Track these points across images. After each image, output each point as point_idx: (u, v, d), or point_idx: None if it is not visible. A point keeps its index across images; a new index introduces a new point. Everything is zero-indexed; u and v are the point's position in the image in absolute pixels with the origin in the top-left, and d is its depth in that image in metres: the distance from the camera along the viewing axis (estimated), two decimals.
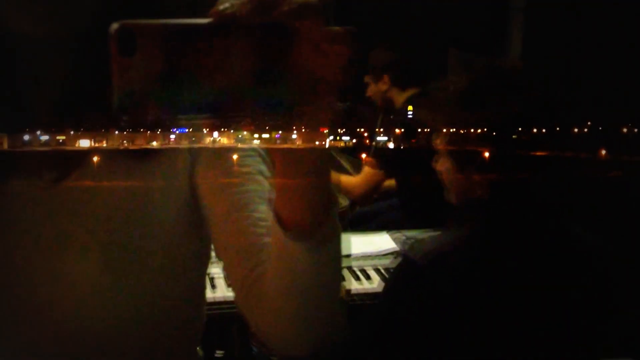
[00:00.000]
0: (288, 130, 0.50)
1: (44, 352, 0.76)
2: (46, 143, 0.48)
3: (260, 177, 0.75)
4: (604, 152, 1.49)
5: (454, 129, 1.09)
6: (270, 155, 0.66)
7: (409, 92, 2.77)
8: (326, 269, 0.65)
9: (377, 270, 1.96)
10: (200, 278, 0.87)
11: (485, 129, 1.04)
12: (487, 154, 1.04)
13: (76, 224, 0.73)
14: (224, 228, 0.74)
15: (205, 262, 0.86)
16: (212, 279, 1.75)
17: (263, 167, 0.76)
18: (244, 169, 0.75)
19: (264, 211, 0.73)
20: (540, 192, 1.10)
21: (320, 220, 0.63)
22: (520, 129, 1.04)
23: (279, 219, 0.64)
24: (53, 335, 0.75)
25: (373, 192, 2.77)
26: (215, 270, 1.76)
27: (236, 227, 0.73)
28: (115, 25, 0.45)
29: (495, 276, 1.04)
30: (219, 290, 1.77)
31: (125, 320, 0.76)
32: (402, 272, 1.12)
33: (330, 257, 0.65)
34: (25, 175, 0.71)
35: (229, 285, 1.79)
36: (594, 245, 1.12)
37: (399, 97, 2.80)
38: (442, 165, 1.19)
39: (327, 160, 0.60)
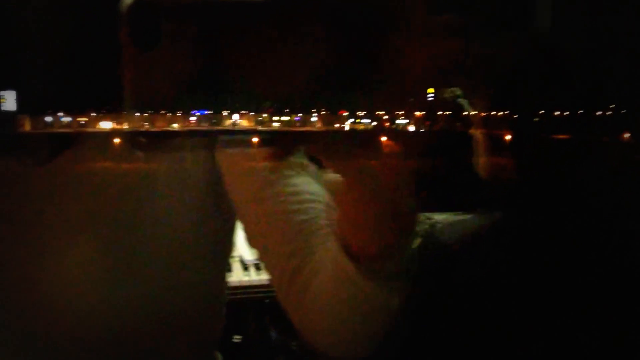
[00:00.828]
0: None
1: (41, 350, 0.71)
2: (68, 125, 0.46)
3: None
4: (627, 135, 1.46)
5: (485, 111, 1.06)
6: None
7: None
8: (394, 297, 0.55)
9: None
10: (217, 271, 0.79)
11: (520, 111, 1.01)
12: (520, 137, 1.02)
13: (65, 209, 0.67)
14: (253, 211, 0.65)
15: (224, 254, 0.79)
16: None
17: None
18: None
19: (297, 184, 0.62)
20: (573, 176, 1.07)
21: (399, 250, 0.52)
22: (553, 111, 1.02)
23: (345, 246, 0.53)
24: (48, 333, 0.70)
25: None
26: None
27: (266, 207, 0.63)
28: (128, 0, 0.32)
29: (533, 261, 1.02)
30: (235, 274, 1.76)
31: (128, 317, 0.70)
32: (432, 255, 1.09)
33: (402, 287, 0.55)
34: (10, 157, 0.64)
35: (246, 268, 1.79)
36: (632, 231, 1.09)
37: None
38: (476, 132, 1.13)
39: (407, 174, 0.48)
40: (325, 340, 0.61)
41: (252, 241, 0.68)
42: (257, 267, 1.76)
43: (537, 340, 1.02)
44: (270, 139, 0.36)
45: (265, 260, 0.66)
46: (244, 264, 1.81)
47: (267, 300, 1.75)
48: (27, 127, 0.45)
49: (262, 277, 1.71)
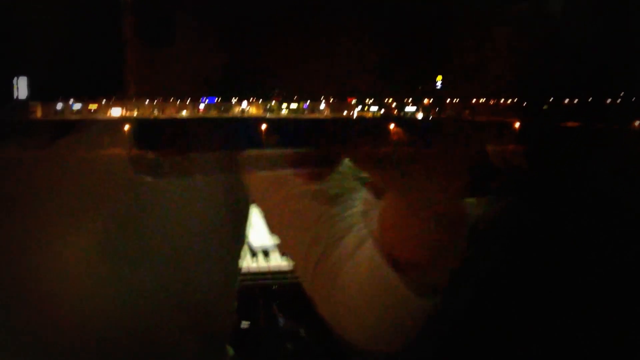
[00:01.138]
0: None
1: (42, 350, 0.68)
2: (78, 112, 0.46)
3: None
4: (637, 123, 1.46)
5: (487, 98, 1.06)
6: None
7: None
8: (434, 303, 0.51)
9: None
10: (229, 264, 0.77)
11: (529, 98, 1.00)
12: (528, 124, 1.01)
13: (70, 197, 0.65)
14: (270, 197, 0.62)
15: (236, 246, 0.76)
16: None
17: None
18: None
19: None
20: (582, 164, 1.07)
21: (446, 259, 0.49)
22: (562, 99, 1.01)
23: (388, 255, 0.50)
24: (53, 326, 0.67)
25: None
26: None
27: (284, 192, 0.60)
28: None
29: (541, 249, 1.02)
30: (244, 261, 1.76)
31: (138, 312, 0.68)
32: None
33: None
34: (20, 143, 0.59)
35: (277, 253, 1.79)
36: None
37: None
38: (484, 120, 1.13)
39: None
40: (355, 336, 0.58)
41: (271, 229, 0.65)
42: (265, 254, 1.77)
43: (537, 340, 1.02)
44: (308, 155, 0.32)
45: (286, 249, 0.64)
46: (252, 250, 1.81)
47: (275, 287, 1.76)
48: (39, 113, 0.45)
49: (271, 263, 1.72)
